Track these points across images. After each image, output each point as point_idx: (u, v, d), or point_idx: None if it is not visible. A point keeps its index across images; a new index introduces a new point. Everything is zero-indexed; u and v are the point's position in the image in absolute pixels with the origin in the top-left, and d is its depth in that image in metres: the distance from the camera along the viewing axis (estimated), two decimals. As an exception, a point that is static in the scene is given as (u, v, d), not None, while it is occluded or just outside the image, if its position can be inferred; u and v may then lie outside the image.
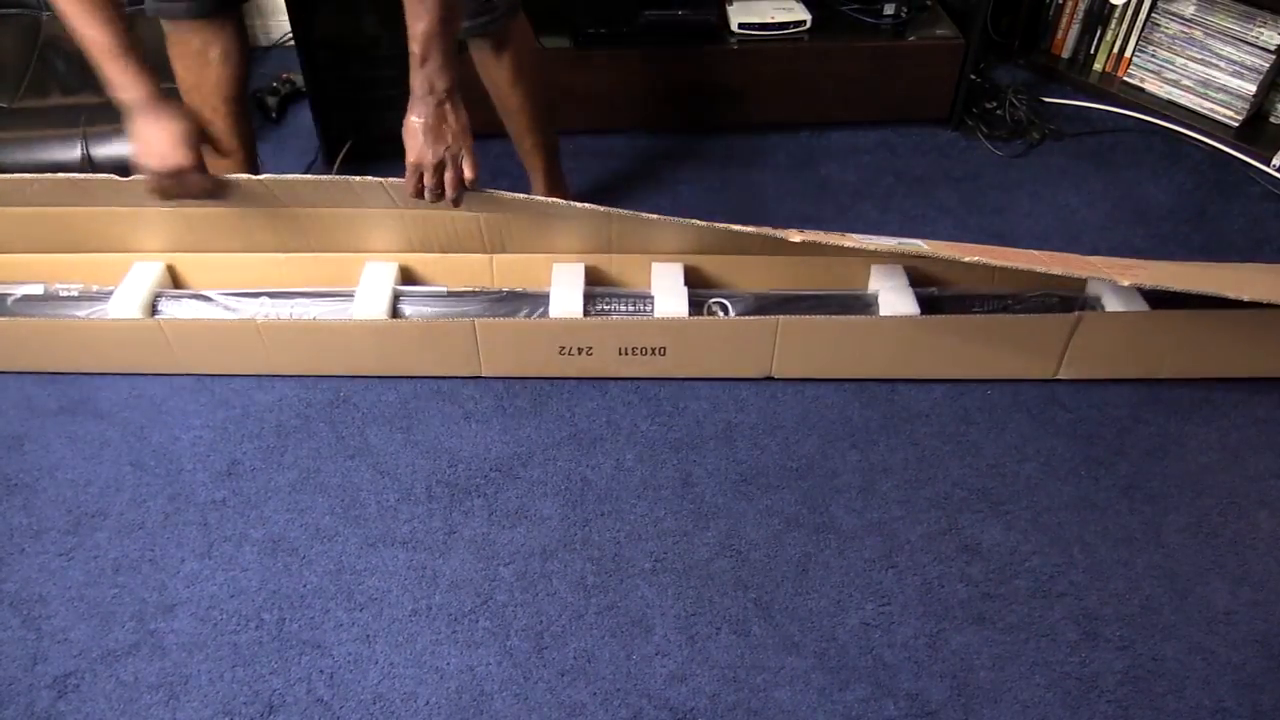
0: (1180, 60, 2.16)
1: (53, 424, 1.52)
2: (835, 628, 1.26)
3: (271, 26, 2.46)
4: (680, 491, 1.42)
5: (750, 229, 1.45)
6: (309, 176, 1.53)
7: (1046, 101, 2.25)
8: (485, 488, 1.43)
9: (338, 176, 1.48)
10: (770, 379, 1.58)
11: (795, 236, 1.44)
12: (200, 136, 1.36)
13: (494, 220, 1.56)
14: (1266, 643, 1.24)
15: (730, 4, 2.08)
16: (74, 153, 1.79)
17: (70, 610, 1.28)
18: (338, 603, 1.29)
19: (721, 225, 1.46)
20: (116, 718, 1.18)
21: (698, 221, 1.46)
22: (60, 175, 1.48)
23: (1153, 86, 2.23)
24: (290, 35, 2.01)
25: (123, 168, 1.78)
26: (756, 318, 1.52)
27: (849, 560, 1.33)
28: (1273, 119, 2.14)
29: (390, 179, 1.44)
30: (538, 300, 1.56)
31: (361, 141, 2.04)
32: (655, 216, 1.46)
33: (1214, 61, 2.09)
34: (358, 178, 1.46)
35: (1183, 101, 2.18)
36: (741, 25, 2.04)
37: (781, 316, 1.50)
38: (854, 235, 1.53)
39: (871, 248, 1.45)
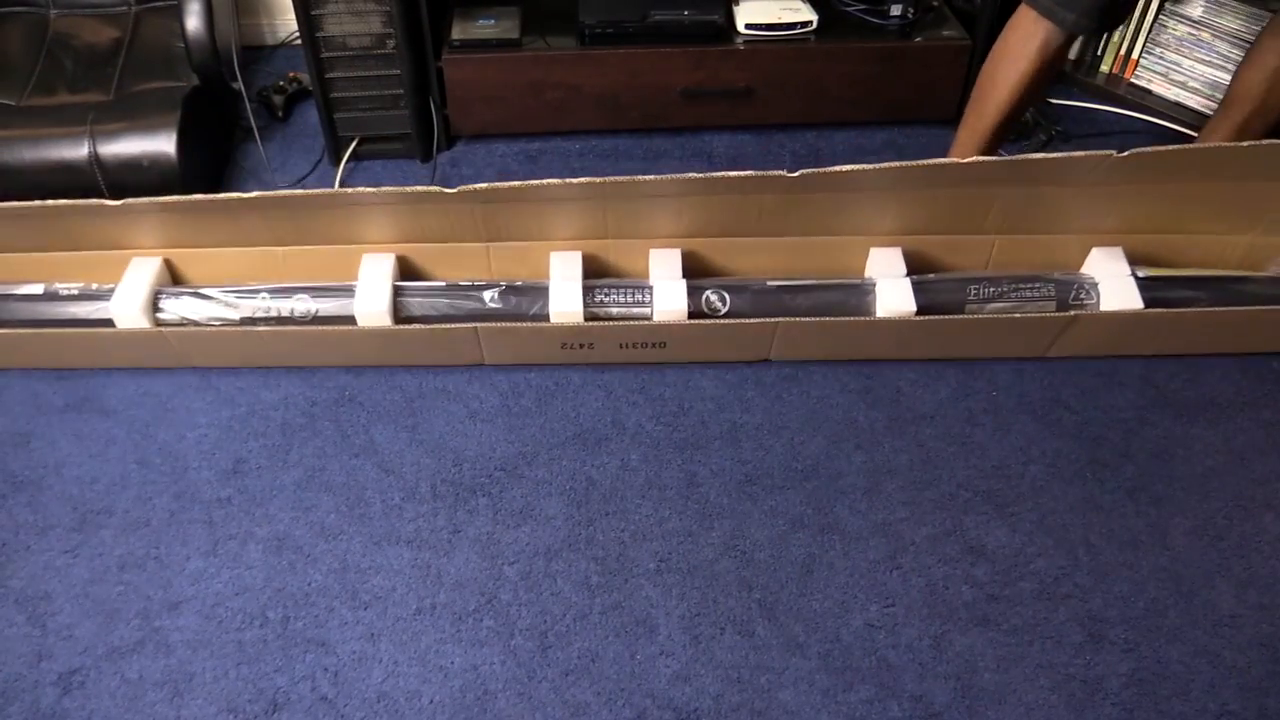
0: (1188, 62, 2.15)
1: (59, 421, 1.53)
2: (839, 629, 1.26)
3: (278, 25, 2.46)
4: (685, 492, 1.42)
5: (746, 173, 1.46)
6: (301, 191, 1.54)
7: (1053, 103, 2.24)
8: (490, 487, 1.43)
9: (337, 190, 1.50)
10: (768, 361, 1.60)
11: (790, 174, 1.46)
12: None
13: (490, 211, 1.56)
14: (1272, 646, 1.24)
15: (737, 4, 2.08)
16: (81, 151, 1.79)
17: (75, 607, 1.29)
18: (342, 601, 1.29)
19: (716, 174, 1.46)
20: (121, 714, 1.18)
21: (694, 175, 1.47)
22: (49, 203, 1.50)
23: (1160, 88, 2.22)
24: (296, 34, 2.01)
25: (129, 167, 1.79)
26: (755, 321, 1.53)
27: (854, 561, 1.33)
28: None
29: (385, 189, 1.47)
30: (537, 294, 1.55)
31: (366, 141, 2.05)
32: (650, 178, 1.47)
33: (1221, 64, 2.09)
34: (354, 189, 1.49)
35: (1190, 103, 2.18)
36: (748, 25, 2.04)
37: (780, 320, 1.51)
38: (847, 165, 1.52)
39: (867, 168, 1.47)
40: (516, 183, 1.45)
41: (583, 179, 1.45)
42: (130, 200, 1.49)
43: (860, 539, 1.36)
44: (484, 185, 1.46)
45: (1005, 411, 1.53)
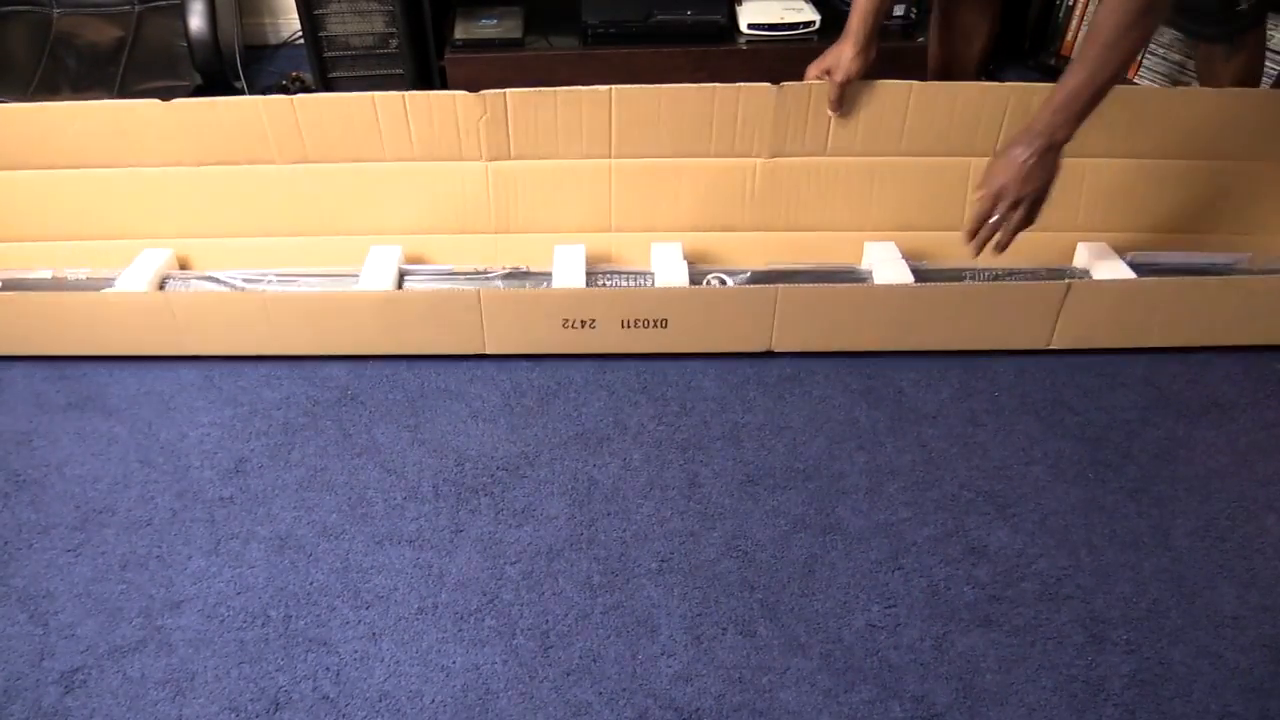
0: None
1: (61, 420, 1.53)
2: (841, 629, 1.26)
3: (280, 25, 2.47)
4: (687, 492, 1.42)
5: (740, 85, 1.58)
6: (334, 94, 1.59)
7: (1056, 103, 2.24)
8: (492, 486, 1.43)
9: (362, 93, 1.59)
10: (770, 353, 1.60)
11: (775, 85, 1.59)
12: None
13: (502, 173, 1.61)
14: (1275, 647, 1.24)
15: (739, 4, 2.08)
16: (84, 150, 1.79)
17: (78, 606, 1.29)
18: (344, 600, 1.29)
19: (709, 85, 1.57)
20: (123, 714, 1.18)
21: (691, 86, 1.57)
22: (105, 102, 1.58)
23: (1162, 88, 2.22)
24: (299, 34, 2.02)
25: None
26: (756, 287, 1.55)
27: (855, 562, 1.33)
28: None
29: (411, 93, 1.60)
30: (540, 278, 1.60)
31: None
32: (655, 86, 1.59)
33: (1224, 64, 2.08)
34: (379, 93, 1.60)
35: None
36: (751, 25, 2.04)
37: (781, 285, 1.52)
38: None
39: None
40: (529, 88, 1.59)
41: (593, 85, 1.57)
42: (153, 101, 1.58)
43: (862, 539, 1.36)
44: (497, 90, 1.59)
45: (1007, 412, 1.53)
